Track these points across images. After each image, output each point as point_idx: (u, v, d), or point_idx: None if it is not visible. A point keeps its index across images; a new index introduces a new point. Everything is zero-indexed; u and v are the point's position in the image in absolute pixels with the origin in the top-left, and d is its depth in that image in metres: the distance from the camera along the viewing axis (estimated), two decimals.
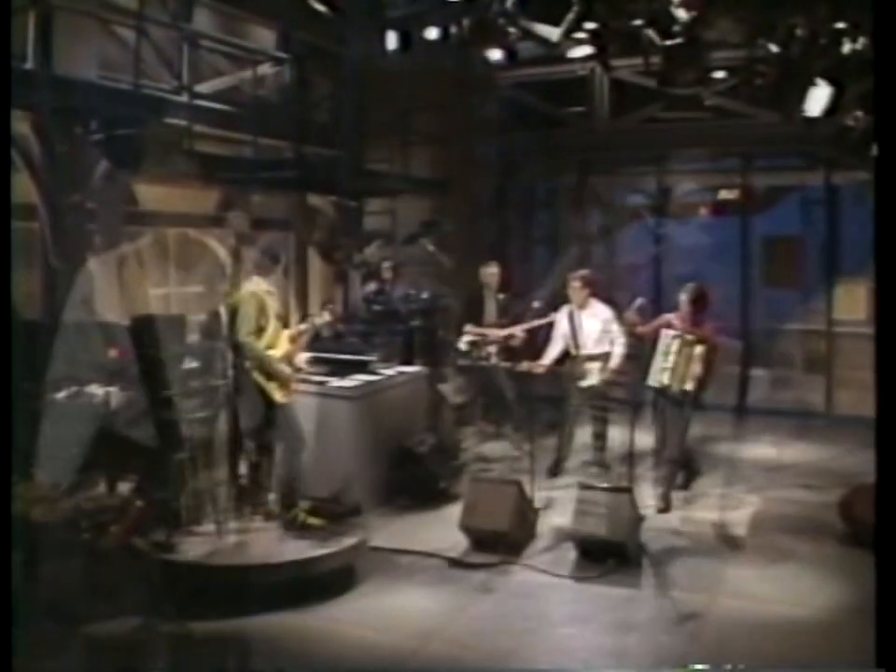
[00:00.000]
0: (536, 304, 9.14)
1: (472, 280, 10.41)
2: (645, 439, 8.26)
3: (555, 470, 8.88)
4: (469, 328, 9.87)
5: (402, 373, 9.00)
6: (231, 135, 10.72)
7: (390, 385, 8.61)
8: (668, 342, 7.88)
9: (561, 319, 8.96)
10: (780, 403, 12.26)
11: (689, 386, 7.81)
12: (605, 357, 8.66)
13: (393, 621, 5.87)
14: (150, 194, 11.00)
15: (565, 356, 8.92)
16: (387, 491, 8.18)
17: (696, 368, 7.76)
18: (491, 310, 9.98)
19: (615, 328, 8.69)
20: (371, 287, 11.53)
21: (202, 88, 10.62)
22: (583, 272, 9.02)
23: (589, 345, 8.73)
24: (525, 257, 14.19)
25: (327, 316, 8.64)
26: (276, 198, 12.73)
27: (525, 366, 8.82)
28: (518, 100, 13.49)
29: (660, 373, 7.89)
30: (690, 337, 7.83)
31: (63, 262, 8.66)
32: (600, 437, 9.07)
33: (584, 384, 8.66)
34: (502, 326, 9.74)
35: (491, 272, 10.05)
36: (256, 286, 6.74)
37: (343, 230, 12.84)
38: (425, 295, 11.36)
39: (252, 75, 10.59)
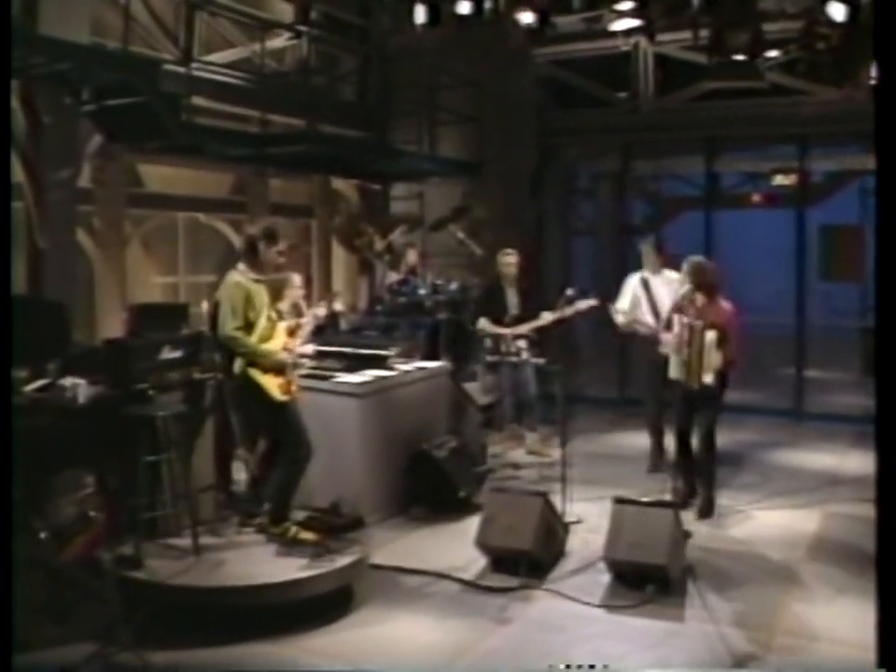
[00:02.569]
0: (569, 292, 8.23)
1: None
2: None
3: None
4: (482, 322, 9.07)
5: (421, 369, 8.14)
6: (243, 112, 9.96)
7: (406, 382, 7.74)
8: (681, 327, 7.06)
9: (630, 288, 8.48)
10: (839, 408, 11.26)
11: (708, 380, 6.93)
12: None
13: (390, 655, 4.99)
14: (156, 175, 10.31)
15: None
16: (399, 500, 7.35)
17: (713, 358, 6.91)
18: (514, 301, 9.16)
19: None
20: (395, 276, 10.71)
21: (211, 58, 9.87)
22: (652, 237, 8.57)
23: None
24: (564, 247, 13.30)
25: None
26: (297, 182, 12.00)
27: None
28: (556, 78, 12.67)
29: (675, 368, 7.09)
30: (698, 323, 6.97)
31: (49, 243, 7.96)
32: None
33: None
34: (524, 319, 8.94)
35: (509, 260, 9.21)
36: (241, 275, 5.88)
37: (366, 215, 12.05)
38: (453, 286, 10.57)
39: (261, 47, 9.73)
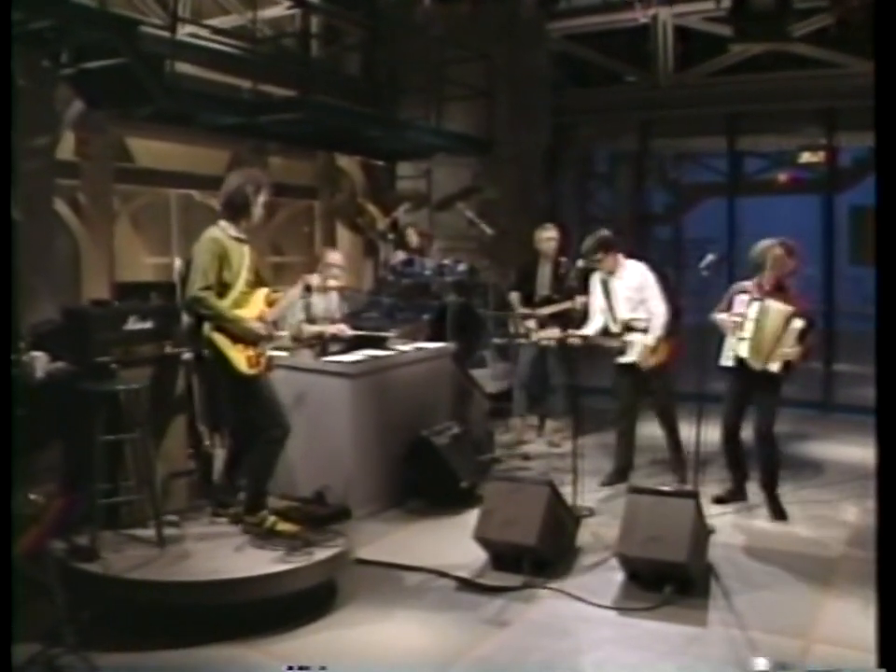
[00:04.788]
0: (580, 263, 7.51)
1: (517, 251, 9.04)
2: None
3: (613, 480, 7.26)
4: (512, 296, 8.69)
5: (421, 349, 7.57)
6: (236, 83, 9.43)
7: (404, 362, 7.18)
8: (744, 308, 6.42)
9: (594, 290, 7.36)
10: (870, 400, 10.60)
11: (774, 367, 6.36)
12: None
13: (372, 660, 4.43)
14: (147, 149, 9.79)
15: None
16: (395, 491, 6.79)
17: (790, 349, 6.33)
18: (545, 280, 8.61)
19: (652, 290, 7.12)
20: (400, 256, 10.15)
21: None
22: (603, 233, 7.32)
23: (625, 313, 7.13)
24: (580, 235, 12.70)
25: (331, 282, 7.40)
26: (299, 161, 11.47)
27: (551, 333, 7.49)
28: (572, 53, 12.12)
29: (735, 346, 6.44)
30: (779, 306, 6.35)
31: (24, 214, 7.44)
32: (671, 434, 7.41)
33: (624, 360, 7.08)
34: (553, 301, 8.41)
35: (548, 236, 8.64)
36: (221, 231, 5.30)
37: (370, 193, 11.50)
38: (461, 267, 10.01)
39: (253, 13, 9.19)
